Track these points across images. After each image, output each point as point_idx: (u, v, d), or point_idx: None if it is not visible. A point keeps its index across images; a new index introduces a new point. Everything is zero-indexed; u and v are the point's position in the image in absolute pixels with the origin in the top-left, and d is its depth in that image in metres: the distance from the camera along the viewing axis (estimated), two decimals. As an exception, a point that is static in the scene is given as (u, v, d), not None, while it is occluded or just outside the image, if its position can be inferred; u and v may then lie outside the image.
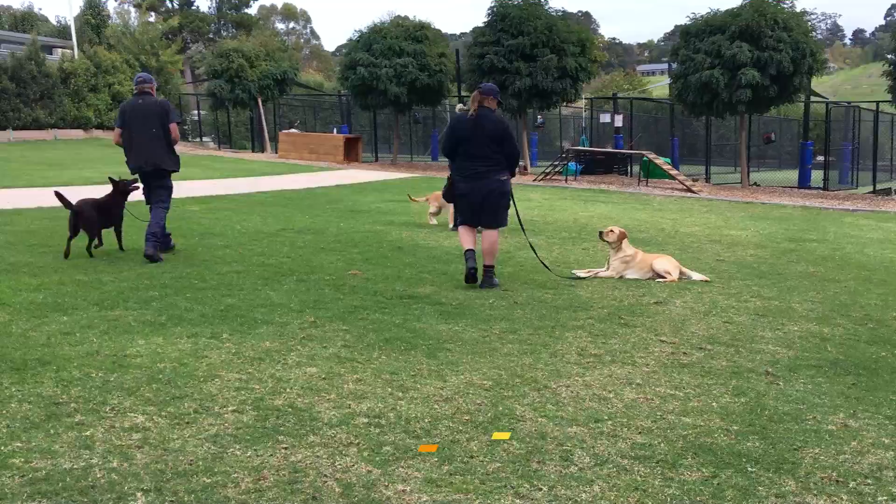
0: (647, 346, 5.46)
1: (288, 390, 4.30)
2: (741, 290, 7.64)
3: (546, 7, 22.39)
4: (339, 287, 7.08)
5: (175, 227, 10.19)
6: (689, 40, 19.96)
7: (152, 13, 47.96)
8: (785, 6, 19.23)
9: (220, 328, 5.55)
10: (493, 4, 22.39)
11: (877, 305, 7.15)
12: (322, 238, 9.98)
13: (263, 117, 32.07)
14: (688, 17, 20.62)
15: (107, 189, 8.65)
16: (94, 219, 8.13)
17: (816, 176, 23.24)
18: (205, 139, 41.36)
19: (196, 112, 41.88)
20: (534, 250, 8.36)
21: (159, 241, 8.21)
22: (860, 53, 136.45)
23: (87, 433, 3.62)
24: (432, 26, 25.66)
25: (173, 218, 11.17)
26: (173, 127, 8.33)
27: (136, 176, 8.52)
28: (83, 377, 4.39)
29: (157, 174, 8.44)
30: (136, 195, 8.72)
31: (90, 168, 21.37)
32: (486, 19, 22.54)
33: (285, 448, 3.54)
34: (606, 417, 4.05)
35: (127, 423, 3.76)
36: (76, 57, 35.28)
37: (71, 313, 5.83)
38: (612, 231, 8.21)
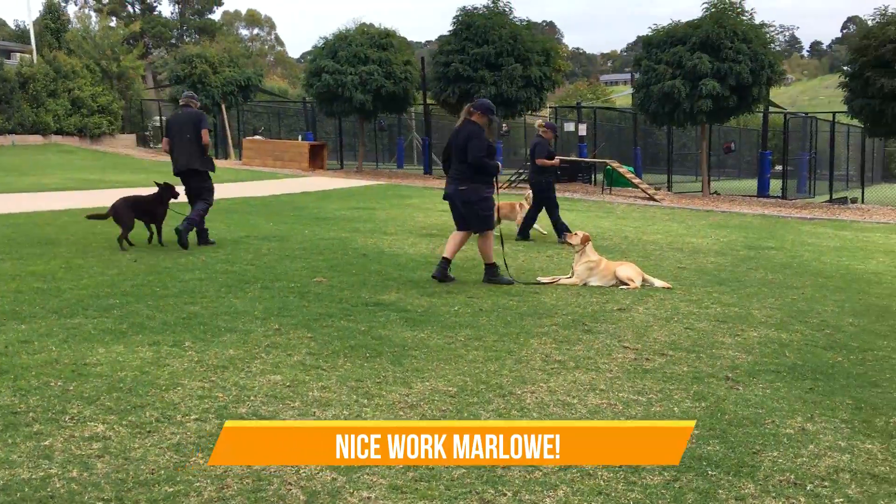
0: (610, 353, 5.52)
1: (252, 398, 4.28)
2: (702, 296, 7.75)
3: (511, 16, 22.58)
4: (304, 294, 7.04)
5: (135, 235, 10.05)
6: (651, 51, 20.25)
7: (113, 18, 47.29)
8: (744, 18, 19.61)
9: (183, 336, 5.49)
10: (458, 13, 22.52)
11: (833, 312, 7.30)
12: (287, 245, 9.93)
13: (227, 124, 31.82)
14: (650, 28, 20.97)
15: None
16: (125, 213, 9.15)
17: (775, 185, 23.68)
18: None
19: (158, 118, 41.40)
20: (504, 261, 8.44)
21: (193, 227, 9.37)
22: (817, 65, 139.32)
23: (46, 443, 3.57)
24: (398, 34, 25.72)
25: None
26: (203, 132, 9.34)
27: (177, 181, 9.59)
28: (42, 386, 4.32)
29: (193, 174, 9.50)
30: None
31: (49, 174, 21.04)
32: (451, 28, 22.69)
33: (249, 456, 3.51)
34: (570, 423, 4.08)
35: (87, 432, 3.71)
36: (35, 61, 34.69)
37: (29, 321, 5.73)
38: (575, 234, 8.36)
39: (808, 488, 3.39)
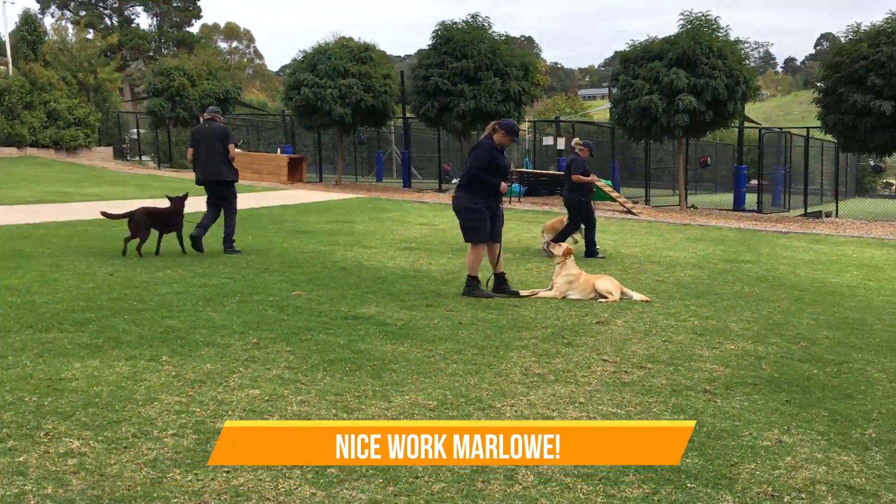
0: (589, 366, 5.54)
1: (230, 413, 4.24)
2: (680, 309, 7.81)
3: (490, 31, 22.71)
4: (283, 308, 7.01)
5: (113, 248, 9.99)
6: (629, 66, 20.44)
7: (90, 30, 46.99)
8: (720, 35, 19.86)
9: (160, 350, 5.44)
10: (437, 27, 22.63)
11: (809, 325, 7.37)
12: (265, 258, 9.89)
13: (205, 136, 31.62)
14: (627, 43, 21.15)
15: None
16: (143, 223, 9.66)
17: (751, 199, 23.93)
18: (144, 158, 40.61)
19: (135, 130, 41.13)
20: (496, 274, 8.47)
21: (205, 231, 10.22)
22: (791, 81, 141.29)
23: (21, 459, 3.52)
24: (377, 48, 25.79)
25: (110, 238, 10.95)
26: (231, 147, 10.27)
27: (186, 192, 10.27)
28: (16, 401, 4.26)
29: (220, 184, 10.29)
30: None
31: (24, 187, 20.83)
32: (430, 42, 22.77)
33: (227, 472, 3.48)
34: (550, 436, 4.08)
35: (62, 448, 3.66)
36: (10, 73, 34.36)
37: (3, 336, 5.65)
38: (559, 245, 8.45)
39: (786, 500, 3.42)
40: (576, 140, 12.30)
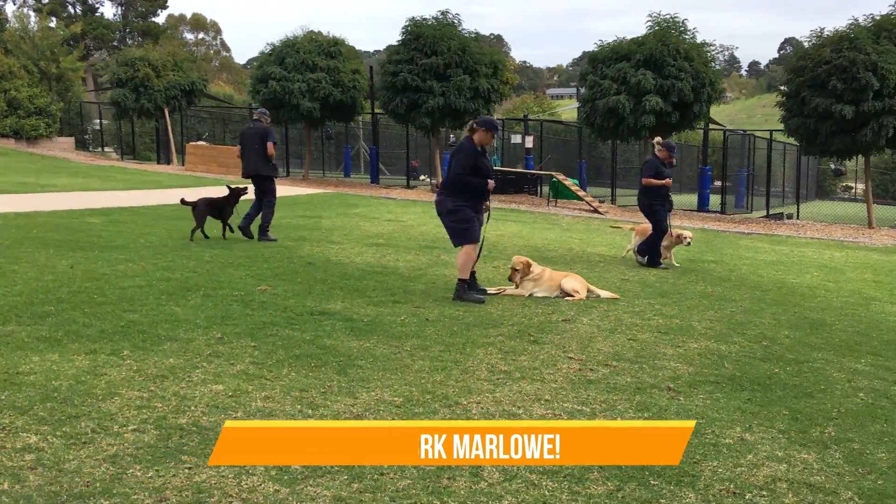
0: (555, 363, 5.56)
1: (192, 408, 4.18)
2: (645, 308, 7.87)
3: (460, 28, 22.71)
4: (248, 303, 6.94)
5: (73, 240, 9.83)
6: (597, 66, 20.58)
7: (53, 18, 46.11)
8: (686, 37, 20.07)
9: (121, 344, 5.35)
10: (407, 23, 22.56)
11: (770, 324, 7.48)
12: (230, 253, 9.77)
13: (170, 128, 31.25)
14: (595, 43, 21.29)
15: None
16: (203, 212, 10.72)
17: (714, 200, 24.23)
18: (106, 149, 39.97)
19: (98, 121, 40.46)
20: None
21: (251, 222, 11.15)
22: (755, 84, 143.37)
23: None
24: (346, 42, 25.64)
25: (71, 229, 10.77)
26: (269, 145, 11.05)
27: (246, 187, 11.36)
28: (-29, 396, 4.15)
29: (259, 178, 11.25)
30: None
31: (-18, 176, 20.38)
32: (400, 38, 22.69)
33: (189, 468, 3.43)
34: (515, 433, 4.09)
35: (19, 443, 3.58)
36: (-31, 60, 33.57)
37: (-42, 328, 5.52)
38: (515, 271, 8.30)
39: (748, 497, 3.46)
40: (656, 139, 11.30)
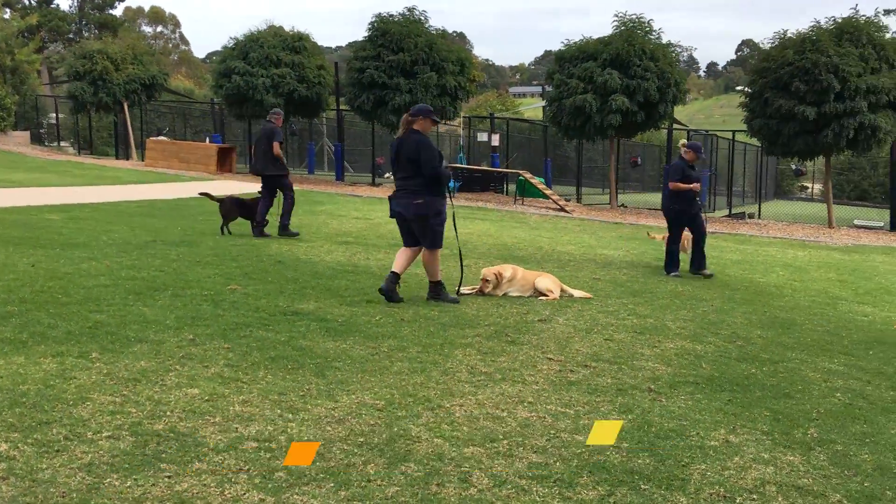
0: (535, 364, 5.51)
1: (168, 414, 4.04)
2: (618, 308, 7.87)
3: (426, 25, 22.60)
4: (219, 303, 6.78)
5: (32, 238, 9.56)
6: (564, 65, 20.63)
7: (7, 9, 44.90)
8: (652, 37, 20.22)
9: (89, 347, 5.17)
10: (373, 20, 22.40)
11: (742, 324, 7.53)
12: (197, 251, 9.57)
13: (129, 123, 30.65)
14: (562, 42, 21.39)
15: None
16: (231, 209, 11.36)
17: (678, 199, 24.42)
18: (63, 144, 39.09)
19: (54, 115, 39.54)
20: (461, 270, 8.26)
21: (289, 219, 11.57)
22: (713, 85, 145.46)
23: None
24: (310, 38, 25.35)
25: (31, 226, 10.48)
26: (275, 144, 11.29)
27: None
28: (-67, 402, 3.96)
29: (267, 178, 11.49)
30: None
31: (-67, 171, 19.78)
32: (366, 34, 22.51)
33: (168, 476, 3.31)
34: (502, 437, 4.03)
35: (-13, 452, 3.41)
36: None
37: (-84, 330, 5.29)
38: (487, 282, 8.14)
39: (738, 501, 3.44)
40: (682, 141, 10.70)
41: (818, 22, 18.56)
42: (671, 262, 10.39)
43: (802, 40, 18.17)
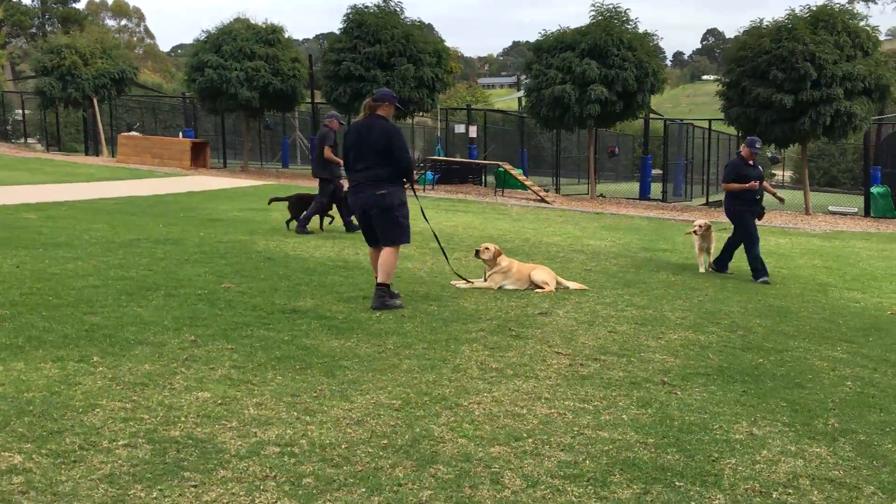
0: (544, 359, 5.45)
1: (183, 419, 3.92)
2: (615, 299, 7.84)
3: (402, 17, 22.42)
4: (214, 302, 6.62)
5: (12, 238, 9.32)
6: (542, 56, 20.58)
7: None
8: (629, 27, 20.23)
9: (89, 350, 5.01)
10: (349, 11, 22.18)
11: (740, 313, 7.54)
12: (183, 249, 9.37)
13: (99, 118, 30.09)
14: (540, 33, 21.29)
15: None
16: (297, 206, 11.72)
17: (654, 188, 24.59)
18: (30, 140, 38.32)
19: (20, 111, 38.73)
20: (447, 259, 8.19)
21: (352, 214, 11.07)
22: (679, 74, 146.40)
23: None
24: (284, 30, 25.03)
25: (7, 226, 10.24)
26: (325, 149, 11.48)
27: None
28: (-64, 413, 3.79)
29: (321, 181, 11.78)
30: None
31: None
32: (342, 26, 22.28)
33: (194, 486, 3.19)
34: (526, 435, 3.96)
35: (3, 464, 3.26)
36: None
37: None
38: (487, 248, 8.19)
39: (775, 496, 3.40)
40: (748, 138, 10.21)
41: (793, 10, 18.70)
42: (758, 268, 9.67)
43: (778, 28, 18.29)
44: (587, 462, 3.65)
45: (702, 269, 10.15)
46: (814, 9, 18.55)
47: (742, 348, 6.10)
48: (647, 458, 3.72)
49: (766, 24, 18.89)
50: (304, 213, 11.58)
